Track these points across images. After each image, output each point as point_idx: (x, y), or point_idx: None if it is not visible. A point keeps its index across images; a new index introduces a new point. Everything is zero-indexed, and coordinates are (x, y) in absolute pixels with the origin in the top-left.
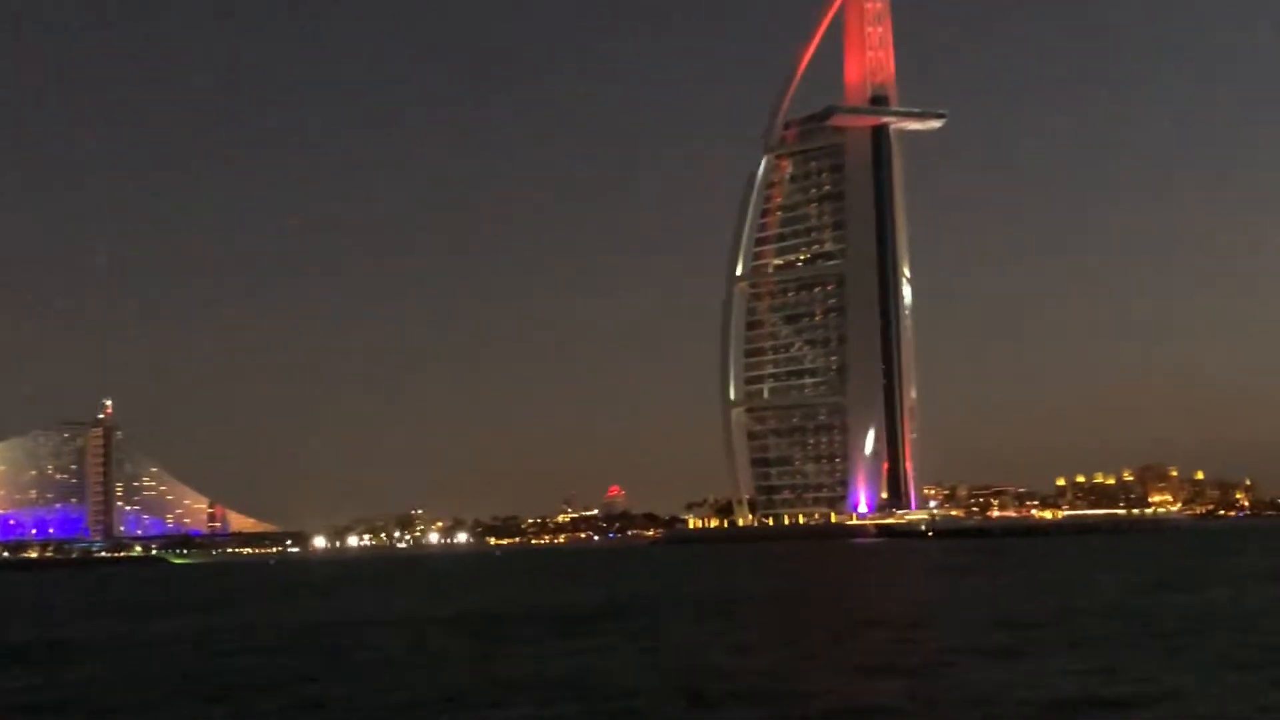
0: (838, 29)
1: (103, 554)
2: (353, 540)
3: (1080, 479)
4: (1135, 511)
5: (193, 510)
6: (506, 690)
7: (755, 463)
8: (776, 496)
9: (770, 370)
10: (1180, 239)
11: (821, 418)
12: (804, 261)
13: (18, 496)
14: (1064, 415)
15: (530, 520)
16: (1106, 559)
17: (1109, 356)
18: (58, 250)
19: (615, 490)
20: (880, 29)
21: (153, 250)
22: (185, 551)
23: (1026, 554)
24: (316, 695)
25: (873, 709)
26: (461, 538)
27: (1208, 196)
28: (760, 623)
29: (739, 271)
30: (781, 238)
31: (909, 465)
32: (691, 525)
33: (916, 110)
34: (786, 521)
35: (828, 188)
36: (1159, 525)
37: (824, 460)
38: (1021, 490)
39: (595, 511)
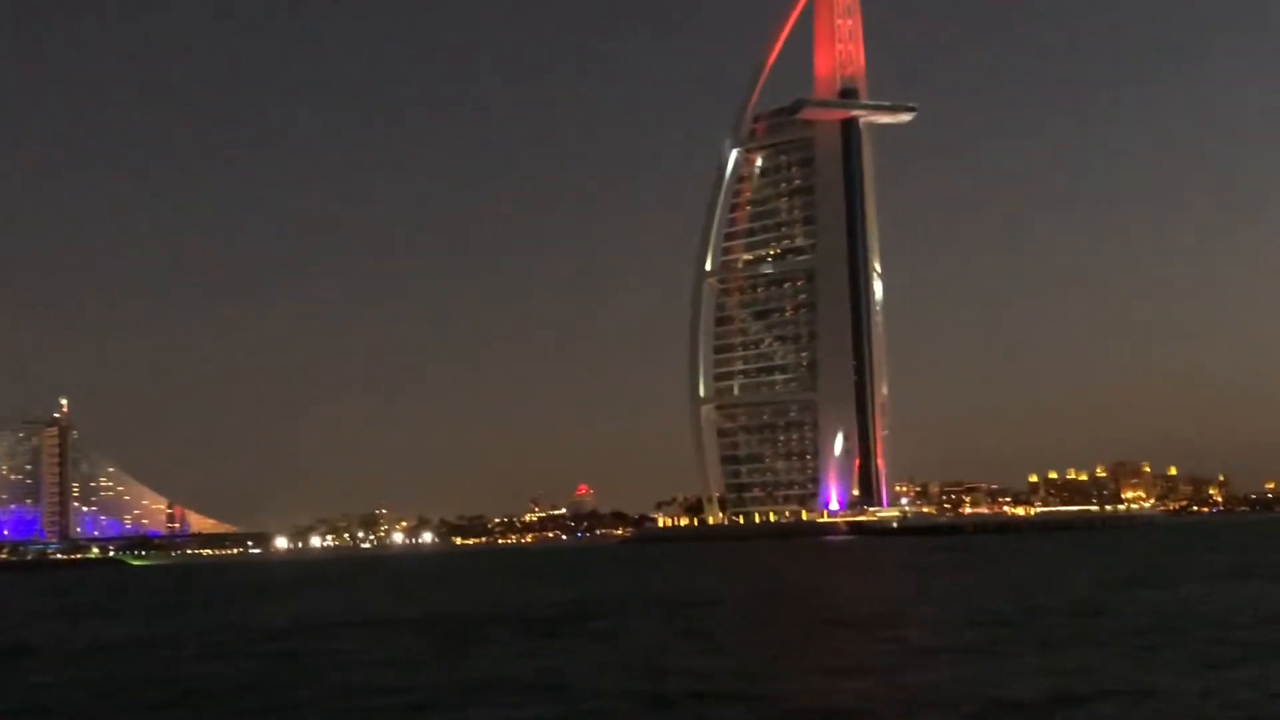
0: (808, 21)
1: (59, 556)
2: (315, 541)
3: (1053, 475)
4: (1108, 508)
5: (151, 511)
6: (474, 693)
7: (725, 460)
8: (747, 494)
9: (740, 367)
10: (1144, 235)
11: (792, 414)
12: (774, 257)
13: None
14: (1036, 412)
15: (497, 520)
16: (1079, 556)
17: (1082, 353)
18: (58, 250)
19: (583, 489)
20: (850, 21)
21: (152, 250)
22: (144, 553)
23: (999, 551)
24: (280, 700)
25: (841, 709)
26: (427, 538)
27: (1174, 200)
28: (730, 622)
29: (708, 267)
30: (751, 232)
31: (880, 462)
32: (661, 524)
33: (887, 104)
34: (757, 519)
35: (798, 182)
36: (1132, 522)
37: (795, 457)
38: (994, 487)
39: (563, 511)
